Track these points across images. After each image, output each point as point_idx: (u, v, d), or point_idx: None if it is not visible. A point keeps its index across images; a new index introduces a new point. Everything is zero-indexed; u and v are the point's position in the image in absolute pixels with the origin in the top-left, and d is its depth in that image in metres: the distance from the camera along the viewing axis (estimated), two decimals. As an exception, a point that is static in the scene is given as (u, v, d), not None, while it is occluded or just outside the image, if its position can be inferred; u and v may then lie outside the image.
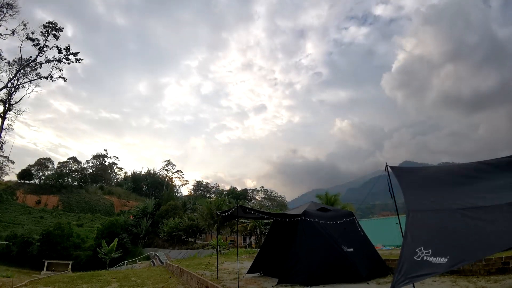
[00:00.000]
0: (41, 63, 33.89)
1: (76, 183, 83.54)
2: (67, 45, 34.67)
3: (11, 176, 78.71)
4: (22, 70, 32.87)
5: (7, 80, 31.79)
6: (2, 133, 32.08)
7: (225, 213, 8.87)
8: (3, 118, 31.87)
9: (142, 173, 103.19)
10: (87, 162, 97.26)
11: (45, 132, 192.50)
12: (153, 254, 37.03)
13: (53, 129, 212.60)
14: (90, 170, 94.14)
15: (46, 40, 33.32)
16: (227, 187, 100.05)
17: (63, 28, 34.31)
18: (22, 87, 33.49)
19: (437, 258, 2.93)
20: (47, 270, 35.12)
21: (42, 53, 33.37)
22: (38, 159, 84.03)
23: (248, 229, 38.76)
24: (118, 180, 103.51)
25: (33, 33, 32.37)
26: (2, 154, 54.56)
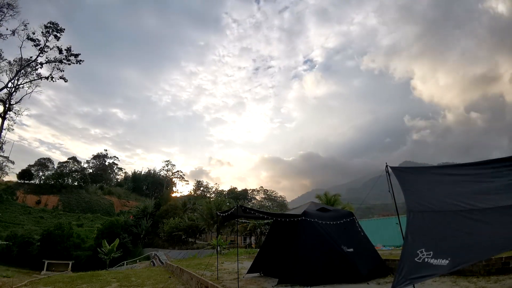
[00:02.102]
0: (41, 64, 33.95)
1: (76, 183, 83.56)
2: (68, 46, 34.75)
3: (11, 176, 78.85)
4: (22, 70, 32.90)
5: (7, 80, 31.84)
6: (2, 133, 32.11)
7: (225, 213, 8.88)
8: (3, 118, 31.92)
9: (142, 173, 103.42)
10: (87, 162, 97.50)
11: (36, 129, 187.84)
12: (153, 254, 37.02)
13: (42, 125, 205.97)
14: (90, 170, 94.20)
15: (47, 40, 33.38)
16: (227, 187, 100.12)
17: (64, 29, 34.36)
18: (23, 87, 33.55)
19: (438, 259, 2.92)
20: (47, 270, 35.14)
21: (42, 53, 33.44)
22: (38, 159, 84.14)
23: (248, 229, 38.76)
24: (118, 180, 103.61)
25: (33, 33, 32.44)
26: (2, 154, 54.63)
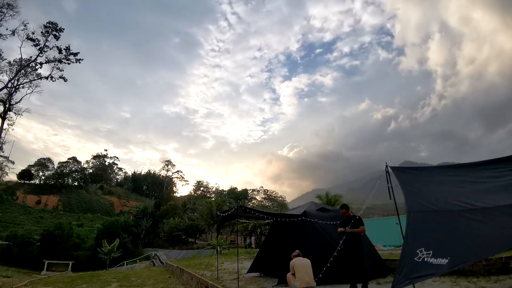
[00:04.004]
0: (41, 63, 33.92)
1: (76, 183, 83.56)
2: (67, 45, 34.73)
3: (11, 176, 78.79)
4: (22, 70, 32.89)
5: (7, 80, 31.81)
6: (2, 133, 32.11)
7: (225, 213, 8.87)
8: (3, 119, 31.91)
9: (142, 173, 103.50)
10: (87, 162, 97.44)
11: (28, 127, 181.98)
12: (153, 254, 37.04)
13: (32, 121, 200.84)
14: (90, 170, 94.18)
15: (46, 40, 33.36)
16: (227, 187, 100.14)
17: (63, 29, 34.34)
18: (23, 87, 33.52)
19: (438, 259, 2.93)
20: (47, 270, 35.15)
21: (42, 53, 33.41)
22: (38, 159, 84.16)
23: (248, 229, 38.77)
24: (118, 180, 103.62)
25: (33, 33, 32.43)
26: (2, 154, 54.56)
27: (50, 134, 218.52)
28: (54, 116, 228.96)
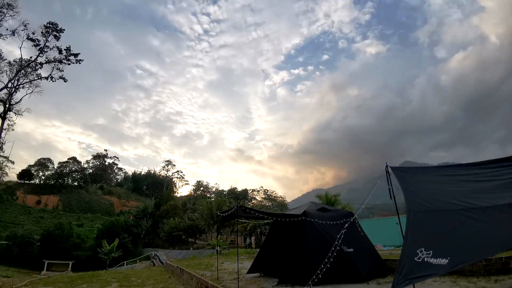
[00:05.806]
0: (41, 64, 33.91)
1: (76, 183, 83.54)
2: (67, 46, 34.73)
3: (11, 176, 78.75)
4: (22, 71, 32.88)
5: (7, 80, 31.81)
6: (2, 133, 32.11)
7: (225, 213, 8.88)
8: (3, 119, 31.90)
9: (142, 173, 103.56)
10: (87, 162, 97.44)
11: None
12: (153, 254, 37.02)
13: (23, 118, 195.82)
14: (90, 170, 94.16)
15: (47, 40, 33.37)
16: (226, 187, 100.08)
17: (64, 29, 34.34)
18: (23, 87, 33.51)
19: (438, 259, 2.93)
20: (47, 270, 35.16)
21: (42, 53, 33.41)
22: (38, 159, 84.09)
23: (248, 229, 38.74)
24: (118, 180, 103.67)
25: (33, 33, 32.43)
26: (2, 154, 54.54)
27: (45, 133, 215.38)
28: (47, 113, 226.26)
